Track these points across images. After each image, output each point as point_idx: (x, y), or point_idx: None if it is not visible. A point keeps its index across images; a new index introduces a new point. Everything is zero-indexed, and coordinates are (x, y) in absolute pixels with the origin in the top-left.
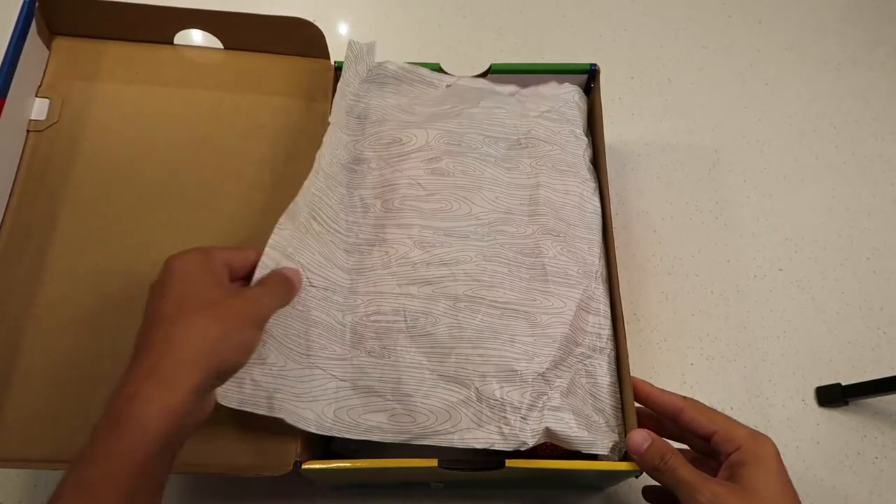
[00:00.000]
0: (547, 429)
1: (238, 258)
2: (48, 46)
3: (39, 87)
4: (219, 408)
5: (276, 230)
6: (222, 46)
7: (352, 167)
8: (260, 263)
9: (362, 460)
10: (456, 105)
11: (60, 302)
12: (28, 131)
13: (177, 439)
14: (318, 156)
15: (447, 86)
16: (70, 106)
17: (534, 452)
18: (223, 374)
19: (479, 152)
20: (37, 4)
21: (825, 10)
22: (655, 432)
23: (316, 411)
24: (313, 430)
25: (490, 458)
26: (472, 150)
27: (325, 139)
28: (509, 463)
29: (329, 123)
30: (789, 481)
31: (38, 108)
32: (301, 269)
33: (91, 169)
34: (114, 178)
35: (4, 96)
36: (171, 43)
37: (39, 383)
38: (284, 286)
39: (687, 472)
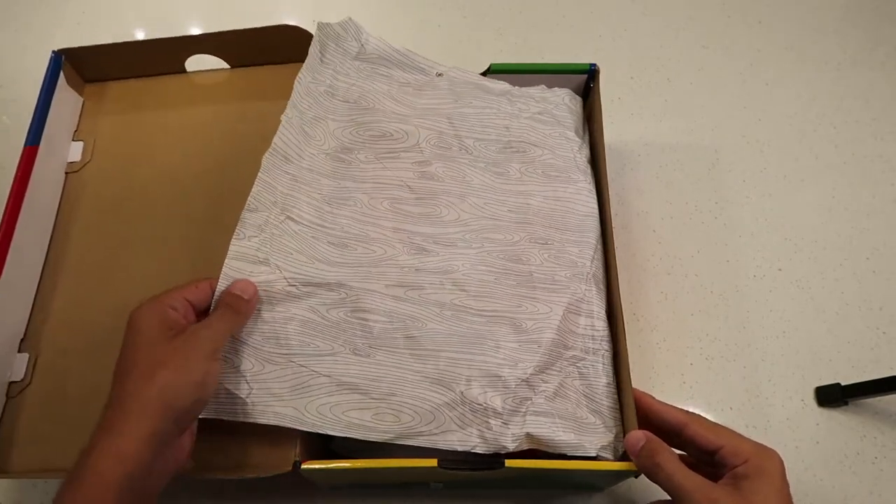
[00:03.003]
0: (528, 434)
1: (194, 293)
2: (81, 94)
3: (76, 131)
4: None
5: (234, 242)
6: (229, 67)
7: (339, 156)
8: (222, 276)
9: (362, 460)
10: (447, 101)
11: (92, 328)
12: (66, 173)
13: (141, 484)
14: (280, 153)
15: (437, 74)
16: (100, 144)
17: (533, 453)
18: (181, 414)
19: (469, 156)
20: (63, 58)
21: (825, 10)
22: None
23: (297, 408)
24: (290, 425)
25: (490, 459)
26: (462, 153)
27: (289, 135)
28: (509, 463)
29: (282, 117)
30: (790, 497)
31: (74, 151)
32: (277, 270)
33: (118, 200)
34: (138, 207)
35: (37, 144)
36: (184, 70)
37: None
38: (231, 309)
39: (682, 476)
